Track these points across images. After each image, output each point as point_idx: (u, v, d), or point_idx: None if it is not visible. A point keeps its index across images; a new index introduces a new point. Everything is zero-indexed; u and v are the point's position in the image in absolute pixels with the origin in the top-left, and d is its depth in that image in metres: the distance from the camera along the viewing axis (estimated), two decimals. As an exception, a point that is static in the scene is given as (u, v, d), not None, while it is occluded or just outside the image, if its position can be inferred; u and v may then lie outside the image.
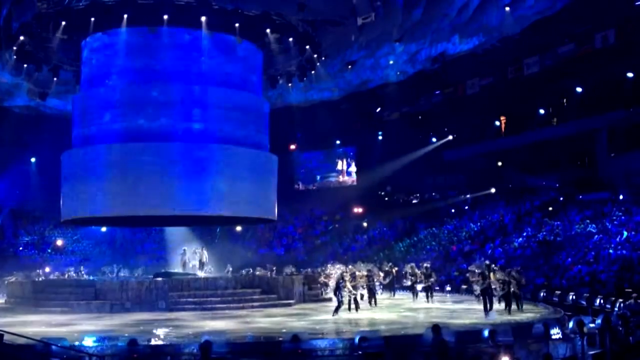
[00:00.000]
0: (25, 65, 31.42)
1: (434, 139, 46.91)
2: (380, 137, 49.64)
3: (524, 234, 33.79)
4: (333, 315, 20.03)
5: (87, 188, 25.99)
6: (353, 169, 50.36)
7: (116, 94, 26.73)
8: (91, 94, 27.43)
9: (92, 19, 26.54)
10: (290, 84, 33.79)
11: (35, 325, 18.11)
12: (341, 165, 50.98)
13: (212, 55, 27.36)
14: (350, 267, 24.56)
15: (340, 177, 51.00)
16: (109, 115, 26.45)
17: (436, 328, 11.49)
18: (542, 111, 40.40)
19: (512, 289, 20.25)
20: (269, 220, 33.16)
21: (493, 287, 19.95)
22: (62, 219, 29.27)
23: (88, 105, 27.25)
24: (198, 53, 27.14)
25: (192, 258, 30.26)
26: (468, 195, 43.45)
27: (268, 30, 28.73)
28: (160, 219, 29.54)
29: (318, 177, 51.67)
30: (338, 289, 20.77)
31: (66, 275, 29.06)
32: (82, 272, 30.20)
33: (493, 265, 22.02)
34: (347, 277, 21.30)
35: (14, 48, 29.24)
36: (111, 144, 26.11)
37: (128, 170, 25.54)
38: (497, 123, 43.87)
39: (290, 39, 29.63)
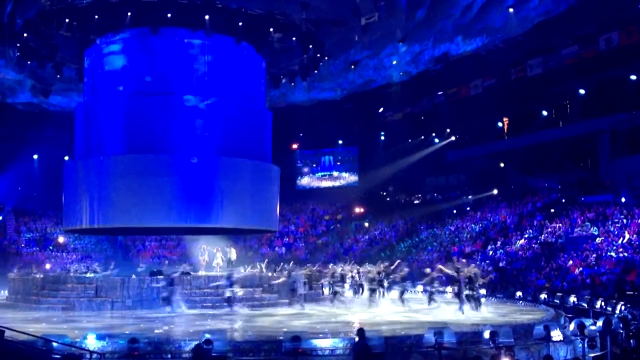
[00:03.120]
0: (28, 62, 31.49)
1: (436, 140, 46.93)
2: (382, 138, 49.69)
3: (526, 235, 33.76)
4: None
5: (89, 199, 26.04)
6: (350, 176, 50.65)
7: (118, 105, 26.74)
8: (93, 104, 27.41)
9: (96, 16, 26.62)
10: (293, 84, 33.80)
11: (37, 321, 18.13)
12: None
13: (215, 66, 27.28)
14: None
15: (339, 175, 51.18)
16: (110, 126, 26.45)
17: (360, 332, 11.43)
18: (545, 113, 40.38)
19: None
20: (271, 231, 33.14)
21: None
22: (64, 228, 29.50)
23: (90, 115, 27.21)
24: (201, 64, 27.05)
25: (212, 256, 30.06)
26: (470, 196, 43.44)
27: (271, 30, 28.74)
28: (161, 228, 29.71)
29: (318, 175, 51.81)
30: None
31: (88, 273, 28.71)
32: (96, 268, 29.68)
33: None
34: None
35: (18, 45, 29.32)
36: (113, 156, 26.15)
37: (130, 182, 25.54)
38: (500, 124, 43.85)
39: (294, 39, 29.64)
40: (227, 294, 21.97)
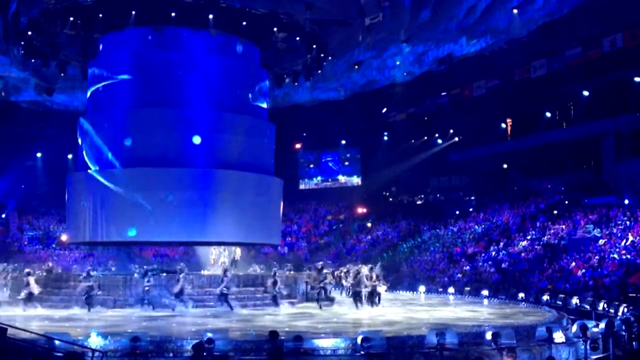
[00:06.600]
0: (32, 61, 31.51)
1: (439, 141, 46.92)
2: (385, 138, 49.68)
3: (529, 236, 33.71)
4: None
5: (92, 212, 26.02)
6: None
7: (121, 118, 26.71)
8: (97, 116, 27.37)
9: (100, 15, 26.66)
10: (296, 83, 33.76)
11: (39, 319, 18.16)
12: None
13: (219, 78, 27.23)
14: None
15: (342, 175, 51.19)
16: (113, 139, 26.40)
17: (273, 334, 11.38)
18: (548, 114, 40.33)
19: None
20: (273, 244, 33.06)
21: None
22: (68, 241, 29.50)
23: (94, 128, 27.13)
24: (204, 76, 26.95)
25: (219, 255, 30.02)
26: (473, 197, 43.40)
27: (275, 29, 28.74)
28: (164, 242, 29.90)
29: (321, 177, 51.77)
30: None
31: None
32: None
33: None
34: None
35: (22, 43, 29.37)
36: (114, 169, 26.08)
37: (133, 196, 25.45)
38: (503, 125, 43.80)
39: (298, 38, 29.62)
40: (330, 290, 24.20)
